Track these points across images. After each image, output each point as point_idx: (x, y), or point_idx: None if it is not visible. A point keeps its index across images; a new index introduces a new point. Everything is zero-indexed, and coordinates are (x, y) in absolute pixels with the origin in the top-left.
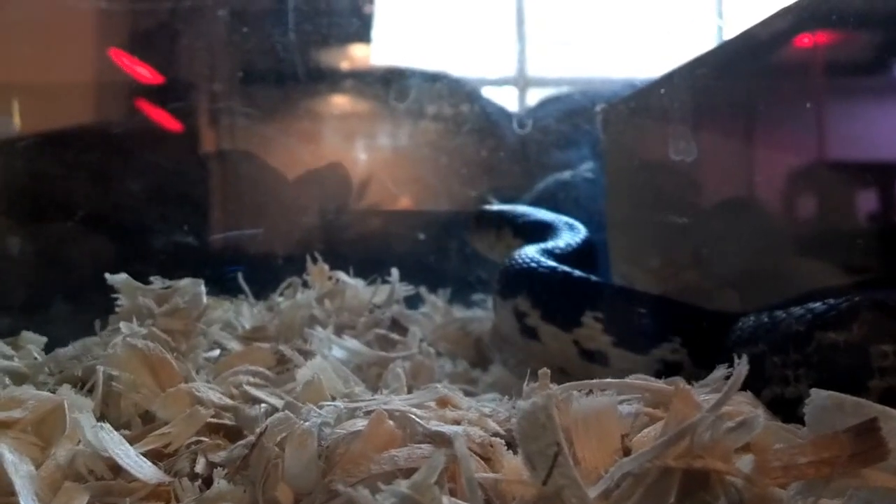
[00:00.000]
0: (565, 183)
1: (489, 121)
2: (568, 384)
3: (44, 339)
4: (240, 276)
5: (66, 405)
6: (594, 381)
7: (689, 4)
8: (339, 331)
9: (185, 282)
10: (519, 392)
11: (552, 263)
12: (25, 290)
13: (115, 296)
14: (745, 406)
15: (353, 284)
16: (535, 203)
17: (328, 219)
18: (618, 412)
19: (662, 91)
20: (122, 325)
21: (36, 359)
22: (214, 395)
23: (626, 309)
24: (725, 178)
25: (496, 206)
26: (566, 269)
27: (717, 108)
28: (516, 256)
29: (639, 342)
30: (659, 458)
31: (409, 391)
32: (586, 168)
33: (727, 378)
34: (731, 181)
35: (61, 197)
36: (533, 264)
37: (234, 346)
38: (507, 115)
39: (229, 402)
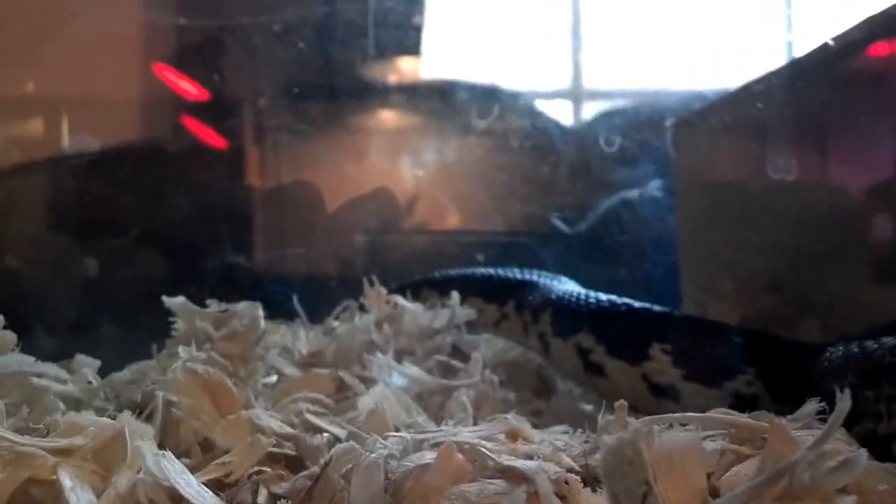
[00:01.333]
0: (632, 202)
1: (545, 136)
2: (648, 418)
3: (98, 363)
4: (294, 299)
5: (126, 432)
6: (676, 415)
7: (751, 13)
8: (399, 357)
9: (243, 305)
10: (592, 426)
11: (612, 297)
12: (75, 311)
13: (170, 319)
14: (840, 444)
15: (412, 308)
16: (602, 223)
17: (379, 239)
18: (703, 449)
19: (742, 104)
20: (180, 349)
21: (90, 383)
22: (275, 424)
23: (696, 339)
24: (809, 197)
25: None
26: (628, 300)
27: (806, 121)
28: (570, 294)
29: (710, 375)
30: (755, 500)
31: (475, 422)
32: (654, 186)
33: (819, 413)
34: (815, 201)
35: (109, 216)
36: (592, 299)
37: (292, 371)
38: (562, 130)
39: (290, 430)
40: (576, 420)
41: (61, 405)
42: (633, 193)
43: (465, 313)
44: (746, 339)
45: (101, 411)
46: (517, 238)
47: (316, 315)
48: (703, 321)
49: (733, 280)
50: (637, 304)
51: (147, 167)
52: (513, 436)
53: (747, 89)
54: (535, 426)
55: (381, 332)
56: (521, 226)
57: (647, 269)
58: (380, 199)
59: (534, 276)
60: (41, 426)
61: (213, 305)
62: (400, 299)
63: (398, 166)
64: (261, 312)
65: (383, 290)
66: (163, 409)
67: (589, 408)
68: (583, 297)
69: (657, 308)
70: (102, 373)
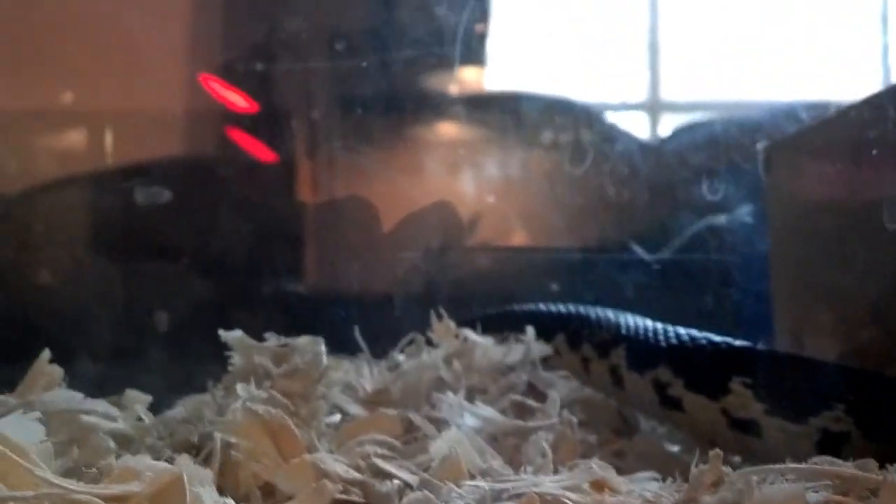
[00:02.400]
0: (720, 229)
1: (618, 151)
2: (747, 469)
3: (149, 398)
4: (356, 330)
5: (185, 477)
6: (775, 466)
7: (841, 23)
8: (470, 395)
9: (304, 340)
10: (682, 470)
11: (690, 330)
12: (118, 336)
13: (226, 352)
14: None
15: (483, 343)
16: (686, 249)
17: (441, 258)
18: (806, 502)
19: (842, 128)
20: (238, 387)
21: (141, 419)
22: (341, 468)
23: (778, 373)
24: None
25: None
26: (707, 334)
27: None
28: (644, 327)
29: (795, 410)
30: None
31: (555, 468)
32: (744, 211)
33: None
34: None
35: (154, 234)
36: (670, 332)
37: (357, 410)
38: (638, 145)
39: (357, 475)
40: (661, 463)
41: (112, 444)
42: (721, 219)
43: (541, 349)
44: (835, 373)
45: (154, 451)
46: (589, 255)
47: (377, 343)
48: (786, 354)
49: (832, 311)
50: (716, 338)
51: (193, 183)
52: (598, 486)
53: (847, 112)
54: (618, 470)
55: (451, 369)
56: (593, 245)
57: (735, 299)
58: (440, 215)
59: (581, 308)
60: (94, 469)
61: (272, 339)
62: (470, 333)
63: (460, 181)
64: (323, 348)
65: (452, 324)
66: (221, 452)
67: (675, 448)
68: (659, 330)
69: (738, 342)
70: (152, 402)
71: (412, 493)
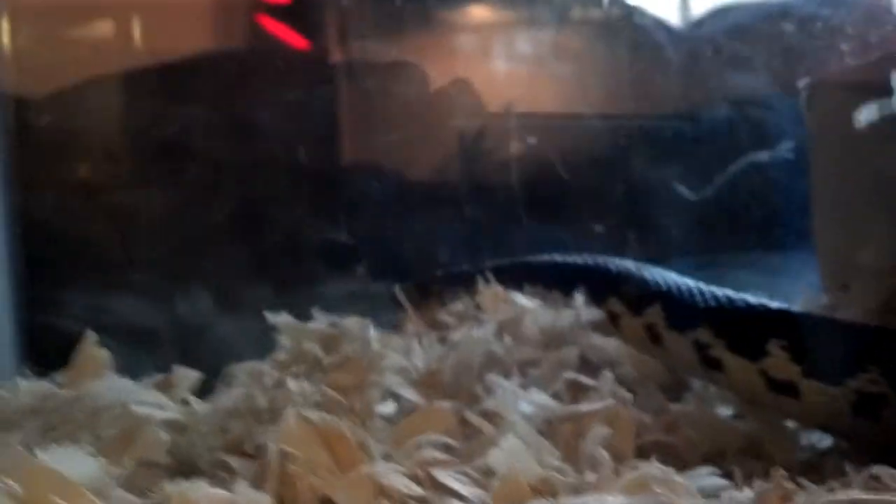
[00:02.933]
0: (762, 166)
1: (645, 35)
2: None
3: (196, 375)
4: (398, 290)
5: None
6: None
7: None
8: (522, 369)
9: (352, 322)
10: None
11: (729, 291)
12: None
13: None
14: None
15: (532, 308)
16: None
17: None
18: None
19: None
20: (290, 383)
21: (186, 402)
22: (401, 482)
23: (815, 336)
24: None
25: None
26: (746, 296)
27: None
28: (684, 287)
29: (830, 372)
30: None
31: (614, 463)
32: (785, 148)
33: None
34: None
35: (186, 137)
36: (709, 293)
37: (410, 395)
38: (666, 30)
39: (418, 490)
40: (715, 434)
41: (164, 436)
42: (763, 156)
43: (592, 313)
44: (870, 335)
45: (208, 452)
46: (625, 121)
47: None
48: (822, 317)
49: (881, 254)
50: (755, 300)
51: (228, 78)
52: None
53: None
54: (672, 451)
55: (502, 343)
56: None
57: (778, 239)
58: (458, 91)
59: (603, 261)
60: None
61: (319, 319)
62: (519, 297)
63: (490, 61)
64: (372, 332)
65: (500, 290)
66: (278, 463)
67: (727, 412)
68: (699, 291)
69: (775, 304)
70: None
71: None
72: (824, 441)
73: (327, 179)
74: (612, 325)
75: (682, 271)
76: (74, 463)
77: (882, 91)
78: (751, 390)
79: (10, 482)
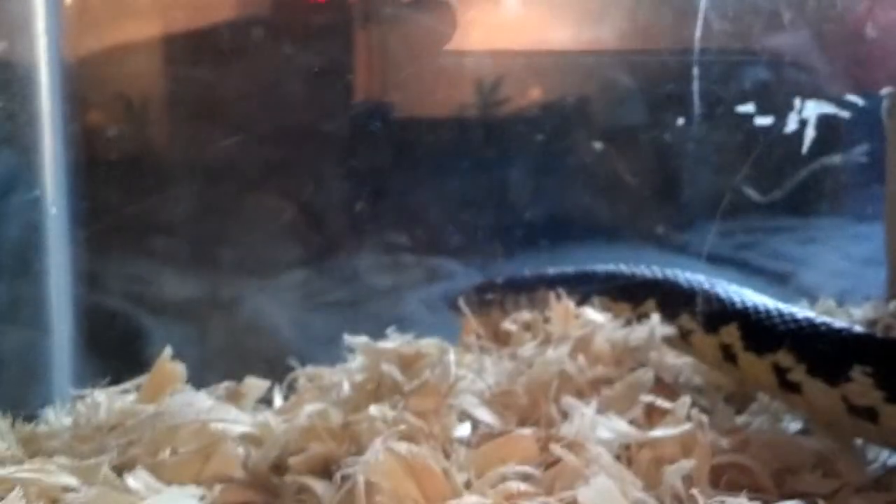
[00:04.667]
0: (835, 169)
1: None
2: None
3: (266, 385)
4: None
5: None
6: None
7: None
8: (595, 389)
9: (429, 344)
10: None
11: (811, 314)
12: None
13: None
14: None
15: (603, 323)
16: (800, 191)
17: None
18: None
19: None
20: (372, 409)
21: (259, 411)
22: None
23: None
24: None
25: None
26: (827, 319)
27: None
28: (762, 307)
29: None
30: None
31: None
32: (859, 152)
33: None
34: None
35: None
36: (788, 314)
37: (485, 416)
38: None
39: None
40: (786, 454)
41: (241, 451)
42: (835, 160)
43: (665, 330)
44: None
45: (288, 473)
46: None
47: None
48: None
49: None
50: (838, 324)
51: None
52: None
53: None
54: (741, 469)
55: (575, 362)
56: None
57: (844, 245)
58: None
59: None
60: None
61: (394, 337)
62: (590, 313)
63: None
64: (452, 357)
65: (571, 305)
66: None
67: (795, 427)
68: (780, 312)
69: (858, 328)
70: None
71: None
72: (893, 458)
73: None
74: (682, 340)
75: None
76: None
77: None
78: (831, 415)
79: None
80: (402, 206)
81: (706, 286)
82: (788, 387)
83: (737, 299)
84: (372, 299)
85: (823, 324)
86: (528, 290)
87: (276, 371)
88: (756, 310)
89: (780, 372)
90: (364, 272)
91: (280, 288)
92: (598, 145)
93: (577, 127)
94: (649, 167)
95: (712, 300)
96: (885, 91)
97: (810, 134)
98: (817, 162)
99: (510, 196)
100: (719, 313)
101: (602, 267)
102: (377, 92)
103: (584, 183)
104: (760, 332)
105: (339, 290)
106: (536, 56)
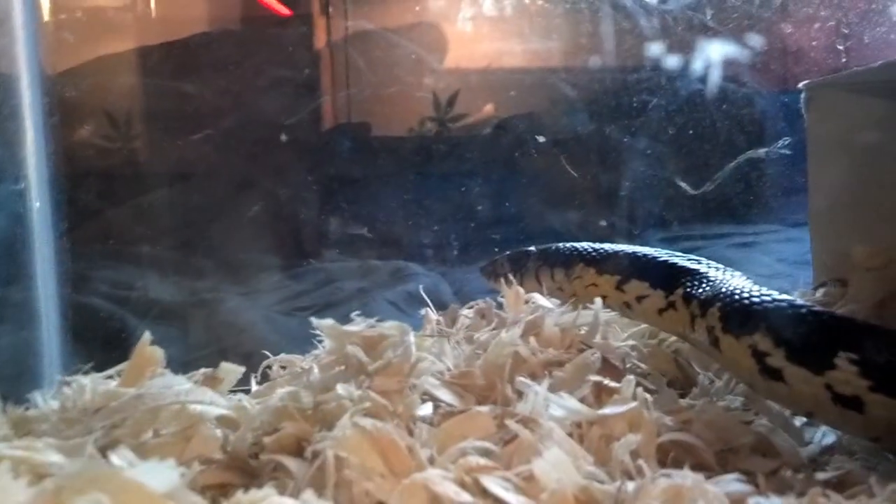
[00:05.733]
0: (760, 161)
1: None
2: None
3: (241, 370)
4: (421, 290)
5: None
6: None
7: None
8: (546, 370)
9: (391, 326)
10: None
11: (791, 297)
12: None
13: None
14: None
15: (552, 308)
16: (728, 183)
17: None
18: None
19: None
20: (339, 387)
21: (235, 396)
22: (451, 488)
23: (886, 349)
24: None
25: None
26: (808, 304)
27: None
28: (741, 288)
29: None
30: None
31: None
32: (782, 145)
33: None
34: None
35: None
36: (768, 297)
37: (446, 397)
38: None
39: (468, 497)
40: (729, 432)
41: (219, 434)
42: (760, 152)
43: (606, 317)
44: None
45: (261, 450)
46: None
47: None
48: (891, 331)
49: (871, 249)
50: (821, 309)
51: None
52: None
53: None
54: (686, 448)
55: (528, 345)
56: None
57: (772, 231)
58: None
59: (700, 262)
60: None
61: (358, 321)
62: (539, 299)
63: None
64: (412, 338)
65: (521, 291)
66: (334, 467)
67: (735, 405)
68: (758, 294)
69: (841, 314)
70: None
71: None
72: (828, 437)
73: None
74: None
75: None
76: (158, 475)
77: (874, 95)
78: (813, 404)
79: (102, 496)
80: (370, 214)
81: (724, 274)
82: (770, 374)
83: (725, 281)
84: (343, 302)
85: (804, 306)
86: (563, 262)
87: (254, 365)
88: (740, 291)
89: (759, 357)
90: (335, 275)
91: (257, 291)
92: (545, 156)
93: (528, 138)
94: (596, 175)
95: (703, 281)
96: (801, 84)
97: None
98: (744, 155)
99: (467, 203)
100: (709, 296)
101: (634, 248)
102: (349, 109)
103: (533, 191)
104: (741, 313)
105: (313, 293)
106: (491, 73)
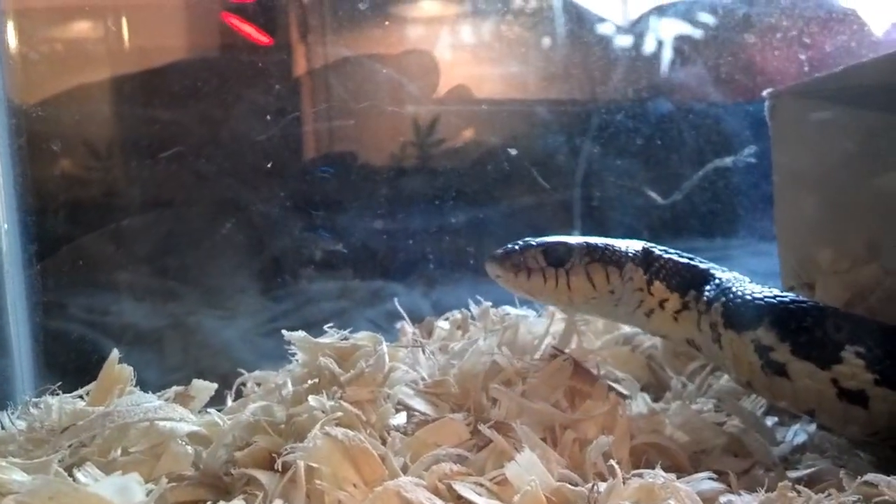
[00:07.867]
0: (726, 170)
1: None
2: None
3: (214, 387)
4: (396, 302)
5: None
6: None
7: None
8: (521, 377)
9: (364, 336)
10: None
11: (794, 294)
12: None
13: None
14: None
15: (525, 317)
16: (696, 191)
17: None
18: None
19: (852, 78)
20: (311, 399)
21: (208, 413)
22: (423, 496)
23: (892, 344)
24: None
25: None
26: (811, 299)
27: None
28: (742, 283)
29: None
30: None
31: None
32: (748, 153)
33: None
34: None
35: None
36: (770, 292)
37: (420, 406)
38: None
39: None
40: (701, 433)
41: (190, 450)
42: (727, 161)
43: (575, 328)
44: None
45: (233, 465)
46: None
47: None
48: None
49: (836, 253)
50: (825, 304)
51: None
52: None
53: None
54: (659, 449)
55: (503, 353)
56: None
57: (742, 239)
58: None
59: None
60: None
61: (332, 333)
62: (510, 310)
63: (442, 51)
64: (385, 347)
65: (488, 304)
66: (305, 477)
67: (707, 407)
68: (759, 288)
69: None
70: None
71: None
72: (799, 437)
73: None
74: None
75: None
76: (122, 490)
77: (838, 102)
78: (817, 399)
79: None
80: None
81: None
82: (773, 369)
83: (729, 278)
84: (322, 322)
85: (807, 300)
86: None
87: (230, 385)
88: (743, 286)
89: (762, 351)
90: (315, 296)
91: (235, 313)
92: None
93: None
94: (570, 200)
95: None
96: (765, 93)
97: None
98: (710, 164)
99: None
100: (713, 292)
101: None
102: (330, 137)
103: (508, 214)
104: (743, 308)
105: (292, 314)
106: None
